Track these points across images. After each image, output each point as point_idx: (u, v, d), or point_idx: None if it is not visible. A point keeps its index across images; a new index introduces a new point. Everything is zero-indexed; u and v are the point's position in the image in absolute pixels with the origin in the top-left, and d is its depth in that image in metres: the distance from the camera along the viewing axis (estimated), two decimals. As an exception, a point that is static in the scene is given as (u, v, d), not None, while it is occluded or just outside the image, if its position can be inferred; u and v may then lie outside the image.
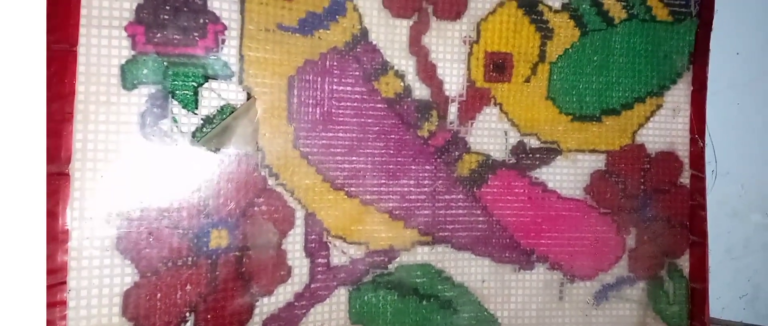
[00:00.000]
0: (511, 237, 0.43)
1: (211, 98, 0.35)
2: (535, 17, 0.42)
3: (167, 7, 0.34)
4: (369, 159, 0.40)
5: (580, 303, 0.44)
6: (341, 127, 0.39)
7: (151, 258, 0.34)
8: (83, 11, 0.32)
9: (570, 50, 0.43)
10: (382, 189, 0.40)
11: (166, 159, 0.34)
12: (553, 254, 0.44)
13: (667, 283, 0.46)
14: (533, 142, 0.43)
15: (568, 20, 0.43)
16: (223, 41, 0.35)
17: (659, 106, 0.45)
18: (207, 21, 0.35)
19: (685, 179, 0.46)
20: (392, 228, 0.41)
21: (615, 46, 0.44)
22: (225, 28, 0.35)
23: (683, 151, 0.46)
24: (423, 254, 0.41)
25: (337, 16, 0.39)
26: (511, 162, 0.43)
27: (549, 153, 0.43)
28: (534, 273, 0.43)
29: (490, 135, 0.42)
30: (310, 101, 0.38)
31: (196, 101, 0.35)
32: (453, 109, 0.41)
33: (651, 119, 0.45)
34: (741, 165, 0.51)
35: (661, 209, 0.45)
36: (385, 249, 0.41)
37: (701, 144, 0.46)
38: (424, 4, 0.40)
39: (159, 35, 0.34)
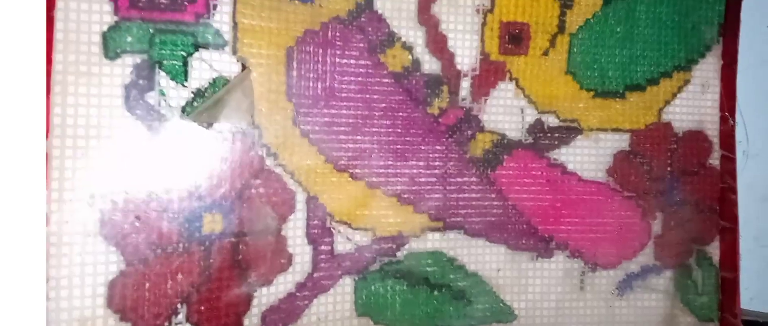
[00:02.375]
0: (528, 223, 0.40)
1: (202, 69, 0.32)
2: (554, -15, 0.39)
3: (153, -31, 0.31)
4: (375, 138, 0.37)
5: (603, 294, 0.41)
6: (345, 103, 0.36)
7: (138, 244, 0.31)
8: (60, -28, 0.30)
9: (592, 20, 0.40)
10: (389, 170, 0.37)
11: (153, 135, 0.31)
12: (574, 241, 0.41)
13: (695, 272, 0.43)
14: (552, 120, 0.40)
15: (589, -12, 0.40)
16: (215, 7, 0.32)
17: (687, 81, 0.42)
18: (197, -13, 0.32)
19: (714, 160, 0.43)
20: (401, 213, 0.38)
21: (640, 16, 0.41)
22: (216, 4, 0.32)
23: (713, 130, 0.43)
24: (434, 241, 0.38)
25: (338, -17, 0.36)
26: (527, 142, 0.40)
27: (569, 132, 0.40)
28: (553, 261, 0.40)
29: (505, 112, 0.39)
30: (311, 75, 0.35)
31: (186, 72, 0.32)
32: (465, 85, 0.38)
33: (678, 95, 0.42)
34: (773, 146, 0.48)
35: (689, 192, 0.42)
36: (393, 235, 0.38)
37: (732, 122, 0.42)
38: (433, -31, 0.37)
39: None
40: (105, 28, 0.30)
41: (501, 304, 0.40)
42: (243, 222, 0.34)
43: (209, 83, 0.32)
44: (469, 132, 0.39)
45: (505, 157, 0.40)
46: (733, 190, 0.43)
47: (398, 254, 0.38)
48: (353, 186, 0.37)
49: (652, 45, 0.41)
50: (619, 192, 0.41)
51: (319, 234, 0.36)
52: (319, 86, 0.36)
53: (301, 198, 0.35)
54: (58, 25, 0.29)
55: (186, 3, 0.32)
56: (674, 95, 0.42)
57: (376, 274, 0.37)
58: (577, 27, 0.40)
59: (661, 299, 0.42)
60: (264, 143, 0.34)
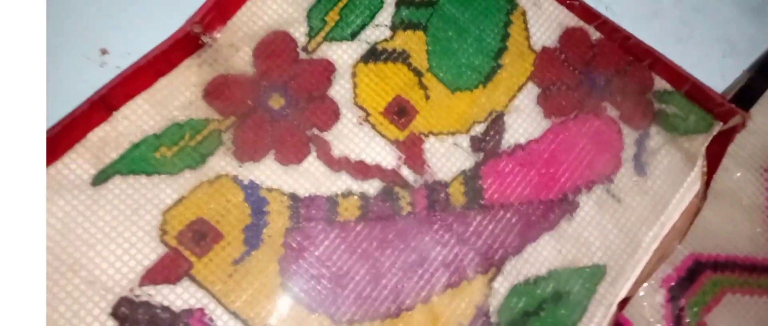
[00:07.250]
0: (541, 202, 0.43)
1: (246, 365, 0.35)
2: (383, 57, 0.44)
3: (151, 343, 0.34)
4: (393, 269, 0.40)
5: (632, 188, 0.45)
6: (351, 272, 0.39)
7: None
8: None
9: (429, 49, 0.45)
10: (424, 278, 0.40)
11: None
12: (579, 180, 0.44)
13: (667, 107, 0.47)
14: (479, 129, 0.44)
15: (405, 32, 0.45)
16: (212, 320, 0.35)
17: (524, 13, 0.47)
18: (186, 321, 0.35)
19: (594, 34, 0.48)
20: (463, 295, 0.40)
21: (451, 12, 0.46)
22: (202, 309, 0.35)
23: (573, 20, 0.48)
24: (502, 285, 0.41)
25: (264, 209, 0.39)
26: (480, 158, 0.43)
27: (495, 123, 0.44)
28: (582, 207, 0.44)
29: (447, 158, 0.43)
30: (312, 282, 0.38)
31: (240, 379, 0.34)
32: (405, 172, 0.42)
33: (528, 26, 0.47)
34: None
35: (604, 69, 0.47)
36: (475, 313, 0.40)
37: (577, 3, 0.48)
38: (309, 133, 0.41)
39: (166, 368, 0.34)
40: None
41: (586, 270, 0.42)
42: None
43: (261, 368, 0.35)
44: (442, 194, 0.42)
45: (479, 181, 0.43)
46: (628, 37, 0.47)
47: (492, 321, 0.40)
48: (418, 316, 0.39)
49: (479, 18, 0.46)
50: (568, 120, 0.45)
51: (431, 371, 0.38)
52: (324, 282, 0.38)
53: (395, 364, 0.38)
54: None
55: (193, 338, 0.34)
56: (526, 29, 0.47)
57: (494, 352, 0.39)
58: (426, 60, 0.45)
59: (668, 149, 0.46)
60: (334, 360, 0.36)
